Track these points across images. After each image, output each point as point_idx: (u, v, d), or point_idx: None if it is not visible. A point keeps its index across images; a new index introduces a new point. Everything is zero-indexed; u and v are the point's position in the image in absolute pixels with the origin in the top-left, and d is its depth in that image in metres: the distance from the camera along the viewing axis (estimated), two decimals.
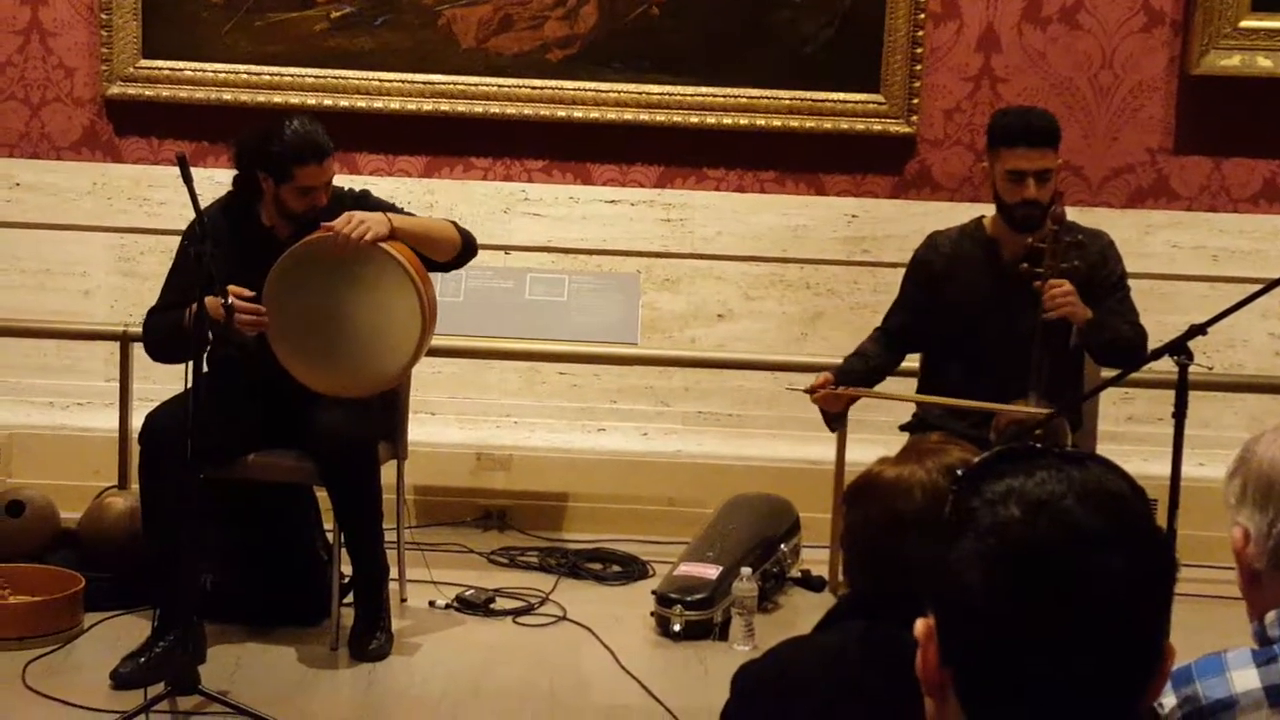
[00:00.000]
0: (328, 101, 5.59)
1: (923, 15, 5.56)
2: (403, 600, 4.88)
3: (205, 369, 4.11)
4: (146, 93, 5.66)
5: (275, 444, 4.54)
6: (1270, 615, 1.98)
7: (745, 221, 5.73)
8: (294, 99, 5.57)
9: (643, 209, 5.73)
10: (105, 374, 5.57)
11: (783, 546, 5.11)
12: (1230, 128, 5.68)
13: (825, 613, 2.32)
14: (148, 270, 5.60)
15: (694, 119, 5.66)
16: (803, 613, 4.91)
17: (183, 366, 3.98)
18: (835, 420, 4.65)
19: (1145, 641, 1.29)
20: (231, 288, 4.16)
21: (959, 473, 1.36)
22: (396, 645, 4.56)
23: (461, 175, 5.75)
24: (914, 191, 5.71)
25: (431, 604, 4.90)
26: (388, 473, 4.70)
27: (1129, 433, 5.48)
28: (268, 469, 4.56)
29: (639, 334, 5.46)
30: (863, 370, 4.63)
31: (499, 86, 5.65)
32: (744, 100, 5.65)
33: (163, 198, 5.63)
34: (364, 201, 4.57)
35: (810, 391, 4.59)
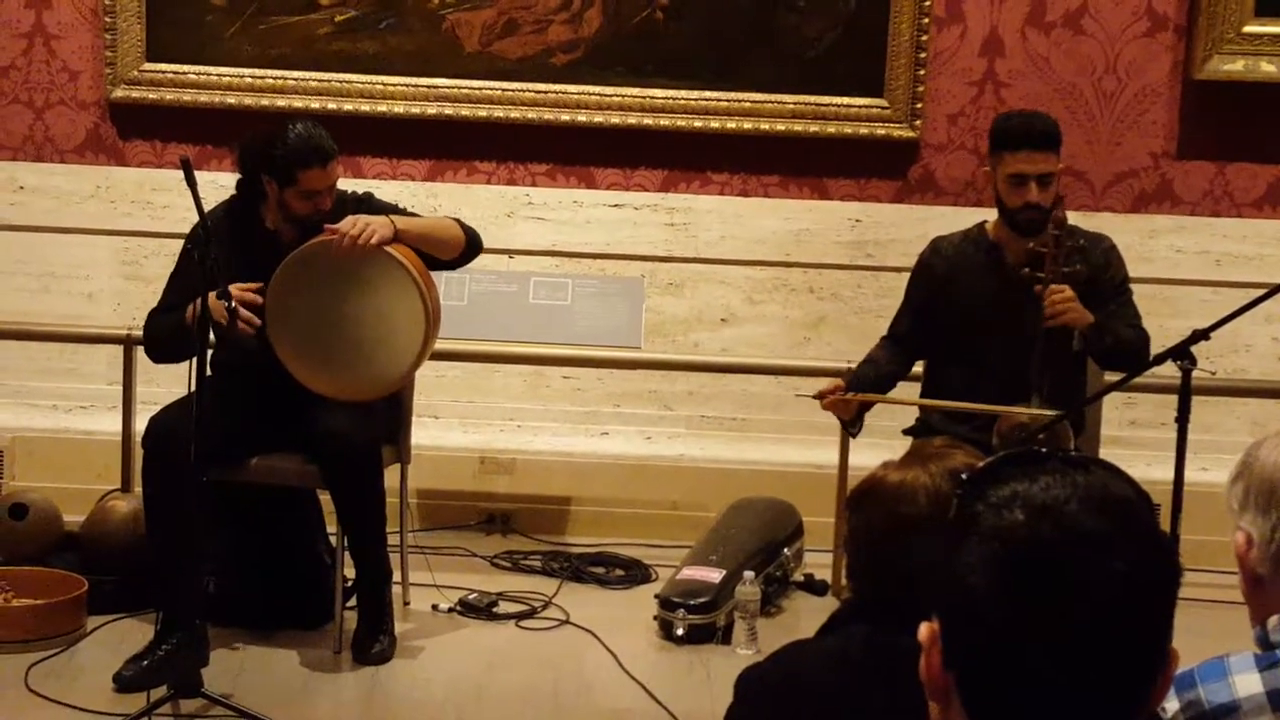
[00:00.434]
0: (331, 105, 5.60)
1: (926, 20, 5.56)
2: (406, 604, 4.88)
3: (209, 372, 4.11)
4: (150, 96, 5.66)
5: (279, 447, 4.54)
6: (1273, 620, 1.98)
7: (749, 225, 5.73)
8: (298, 102, 5.57)
9: (646, 213, 5.73)
10: (108, 377, 5.57)
11: (786, 550, 5.11)
12: (1234, 133, 5.68)
13: (828, 617, 2.32)
14: (151, 274, 5.60)
15: (698, 123, 5.66)
16: (806, 617, 4.91)
17: (186, 370, 3.99)
18: (852, 425, 4.63)
19: (1149, 645, 1.30)
20: (235, 286, 4.16)
21: (963, 477, 1.36)
22: (399, 649, 4.56)
23: (465, 179, 5.76)
24: (917, 196, 5.72)
25: (434, 608, 4.90)
26: (391, 476, 4.71)
27: (1132, 437, 5.48)
28: (271, 472, 4.56)
29: (642, 338, 5.46)
30: (874, 377, 4.64)
31: (503, 90, 5.65)
32: (748, 104, 5.65)
33: (166, 201, 5.63)
34: (367, 204, 4.57)
35: (819, 397, 4.59)
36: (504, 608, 4.92)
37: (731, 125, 5.66)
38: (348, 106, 5.63)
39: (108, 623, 4.62)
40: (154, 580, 4.37)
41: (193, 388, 3.98)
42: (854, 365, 5.15)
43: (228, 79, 5.64)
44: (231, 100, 5.64)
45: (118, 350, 5.31)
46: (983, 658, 1.29)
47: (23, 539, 4.90)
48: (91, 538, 4.88)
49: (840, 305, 5.74)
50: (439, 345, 4.72)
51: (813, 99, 5.64)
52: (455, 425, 5.75)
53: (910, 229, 5.50)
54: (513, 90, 5.65)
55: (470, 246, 4.60)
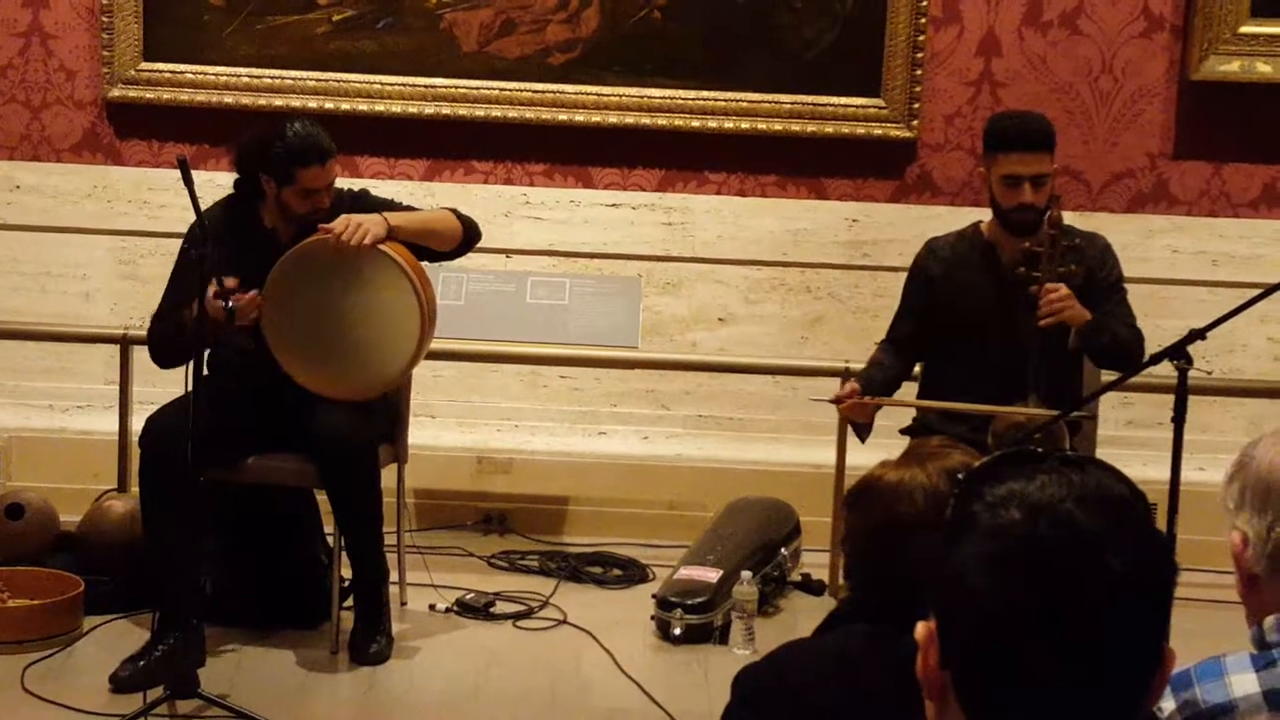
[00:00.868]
0: (329, 105, 5.60)
1: (924, 20, 5.57)
2: (403, 604, 4.88)
3: (205, 372, 4.11)
4: (147, 95, 5.66)
5: (275, 447, 4.54)
6: (1269, 620, 1.98)
7: (746, 225, 5.73)
8: (295, 102, 5.57)
9: (644, 213, 5.74)
10: (105, 377, 5.57)
11: (783, 550, 5.11)
12: (1230, 133, 5.68)
13: (826, 616, 2.32)
14: (148, 273, 5.60)
15: (695, 123, 5.66)
16: (803, 616, 4.91)
17: (182, 370, 3.99)
18: (864, 430, 4.62)
19: (1145, 644, 1.30)
20: (227, 279, 4.14)
21: (960, 476, 1.36)
22: (396, 649, 4.56)
23: (463, 179, 5.75)
24: (915, 196, 5.72)
25: (432, 607, 4.90)
26: (388, 476, 4.71)
27: (1129, 437, 5.48)
28: (268, 472, 4.56)
29: (640, 337, 5.46)
30: (883, 380, 4.64)
31: (500, 90, 5.65)
32: (745, 104, 5.65)
33: (163, 200, 5.63)
34: (362, 200, 4.57)
35: (837, 401, 4.58)
36: (501, 608, 4.92)
37: (729, 125, 5.66)
38: (345, 106, 5.63)
39: (104, 623, 4.62)
40: (151, 580, 4.37)
41: (189, 387, 3.98)
42: (851, 365, 5.17)
43: (225, 78, 5.64)
44: (229, 100, 5.64)
45: (114, 350, 5.31)
46: (979, 656, 1.29)
47: (19, 539, 4.90)
48: (88, 538, 4.88)
49: (837, 305, 5.75)
50: (436, 345, 4.72)
51: (810, 99, 5.64)
52: (452, 425, 5.75)
53: (907, 229, 5.50)
54: (510, 90, 5.65)
55: (468, 236, 4.59)
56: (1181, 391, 4.04)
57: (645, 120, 5.66)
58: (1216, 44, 5.55)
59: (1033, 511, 1.28)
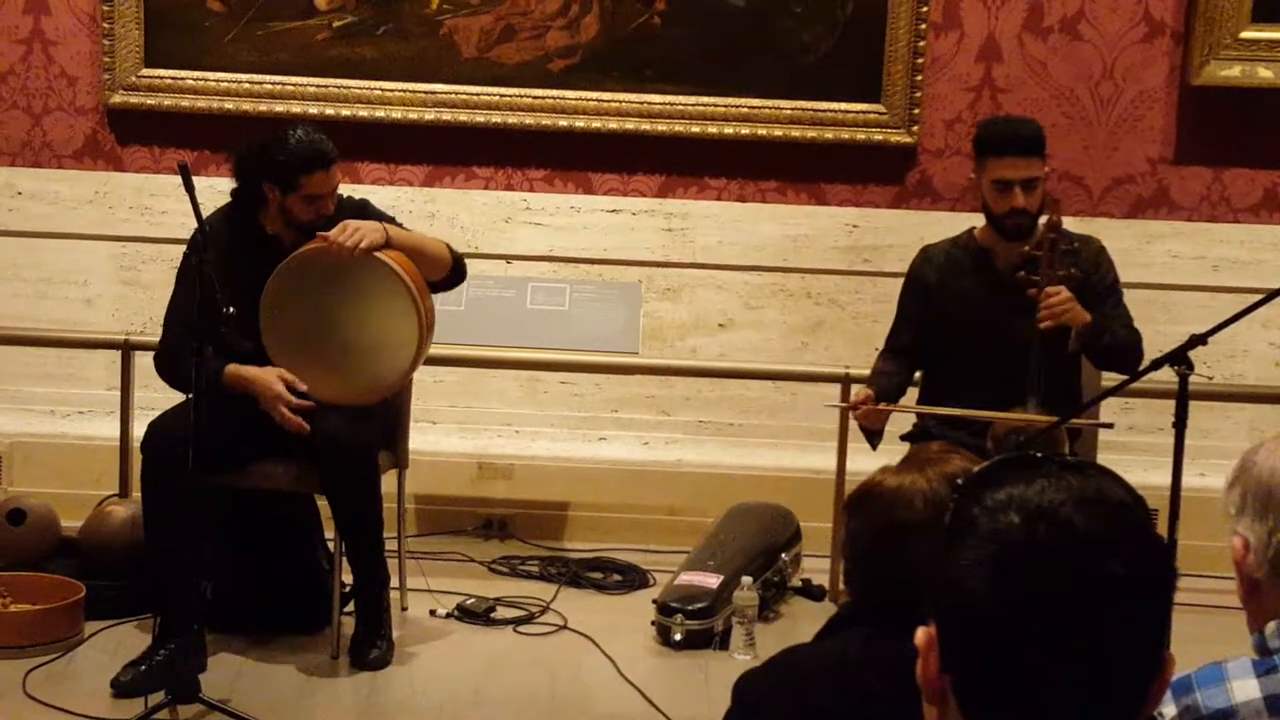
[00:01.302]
0: (329, 111, 5.60)
1: (924, 25, 5.57)
2: (403, 609, 4.87)
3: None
4: (148, 101, 5.66)
5: (276, 453, 4.54)
6: (1270, 626, 1.98)
7: (746, 231, 5.73)
8: (296, 108, 5.57)
9: (644, 218, 5.74)
10: (106, 383, 5.57)
11: (784, 555, 5.11)
12: (1231, 138, 5.68)
13: (826, 621, 2.32)
14: (149, 279, 5.60)
15: (695, 129, 5.66)
16: (803, 622, 4.91)
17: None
18: (877, 436, 4.61)
19: (1145, 649, 1.30)
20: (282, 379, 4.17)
21: (959, 481, 1.36)
22: (397, 654, 4.56)
23: (463, 184, 5.75)
24: (915, 201, 5.72)
25: (432, 613, 4.90)
26: (388, 481, 4.71)
27: (1129, 442, 5.48)
28: (269, 478, 4.57)
29: (640, 343, 5.46)
30: (890, 388, 4.63)
31: (500, 96, 5.65)
32: (745, 110, 5.65)
33: (164, 207, 5.63)
34: (364, 211, 4.57)
35: (853, 408, 4.57)
36: (501, 613, 4.92)
37: (729, 131, 5.66)
38: (345, 112, 5.63)
39: (106, 628, 4.62)
40: (152, 585, 4.37)
41: (191, 393, 3.98)
42: (851, 370, 5.17)
43: (226, 84, 5.64)
44: (230, 106, 5.64)
45: (116, 355, 5.31)
46: (979, 661, 1.29)
47: (21, 544, 4.90)
48: (89, 543, 4.88)
49: (838, 310, 5.75)
50: (437, 350, 4.72)
51: (810, 104, 5.64)
52: (453, 430, 5.75)
53: (908, 234, 5.50)
54: (510, 96, 5.65)
55: (455, 271, 4.59)
56: (1182, 397, 4.04)
57: (645, 126, 5.66)
58: (1217, 49, 5.55)
59: (1032, 516, 1.29)
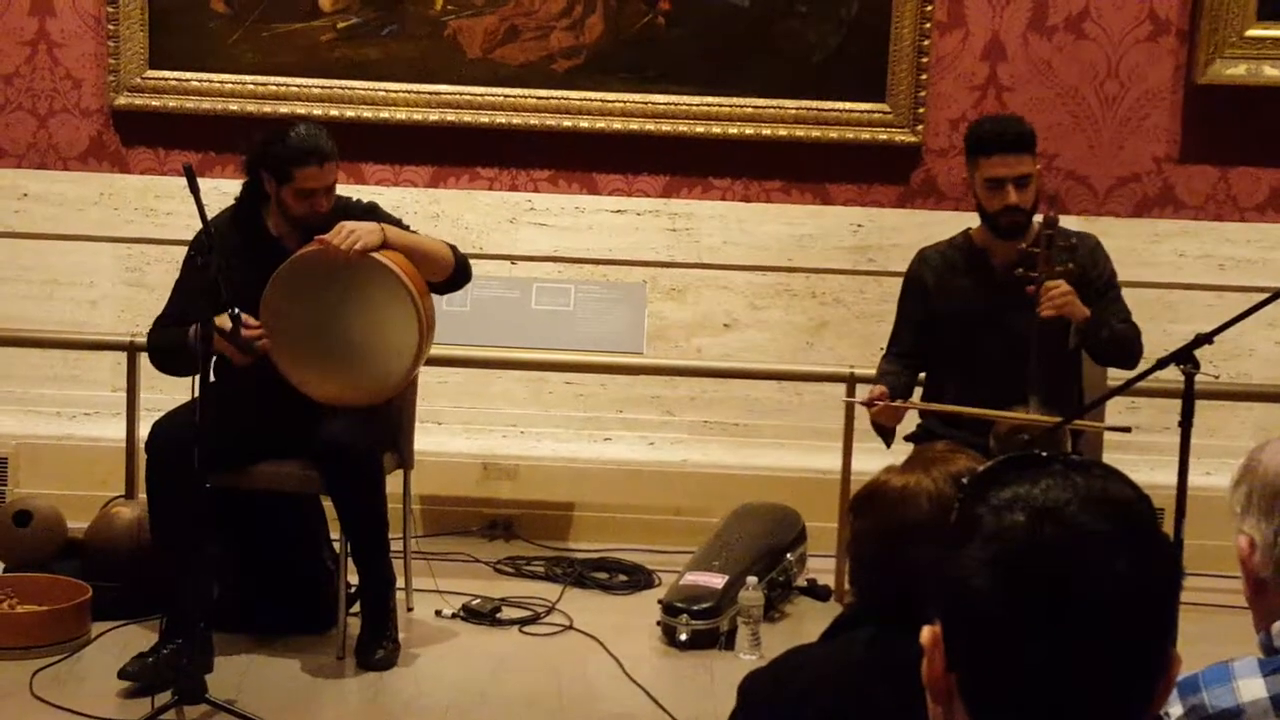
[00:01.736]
0: (334, 112, 5.60)
1: (929, 24, 5.57)
2: (409, 610, 4.88)
3: (212, 378, 4.12)
4: (153, 103, 5.67)
5: (281, 454, 4.54)
6: (1277, 625, 1.98)
7: (751, 231, 5.73)
8: (300, 109, 5.57)
9: (648, 219, 5.74)
10: (112, 384, 5.58)
11: (789, 555, 5.11)
12: (1236, 137, 5.67)
13: (832, 622, 2.32)
14: (155, 281, 5.60)
15: (699, 129, 5.66)
16: (809, 622, 4.91)
17: (189, 376, 4.00)
18: (891, 435, 4.61)
19: (1151, 647, 1.30)
20: (247, 320, 4.17)
21: (964, 481, 1.36)
22: (403, 655, 4.57)
23: (467, 185, 5.76)
24: (920, 201, 5.72)
25: (438, 613, 4.90)
26: (394, 482, 4.71)
27: (1135, 441, 5.47)
28: (274, 478, 4.57)
29: (645, 343, 5.46)
30: (899, 387, 4.63)
31: (505, 97, 5.65)
32: (749, 110, 5.65)
33: (170, 208, 5.64)
34: (371, 214, 4.57)
35: (869, 405, 4.57)
36: (507, 613, 4.92)
37: (733, 131, 5.66)
38: (350, 113, 5.63)
39: (112, 629, 4.63)
40: (158, 586, 4.37)
41: (196, 394, 3.99)
42: (856, 370, 5.18)
43: (230, 86, 5.65)
44: (234, 107, 5.64)
45: (121, 357, 5.31)
46: (985, 660, 1.29)
47: (27, 546, 4.91)
48: (95, 544, 4.89)
49: (843, 310, 5.74)
50: (441, 351, 4.72)
51: (815, 104, 5.64)
52: (458, 431, 5.75)
53: (913, 234, 5.50)
54: (515, 96, 5.65)
55: (459, 272, 4.59)
56: (1188, 396, 4.04)
57: (650, 126, 5.66)
58: (1223, 47, 5.54)
59: (1037, 515, 1.28)
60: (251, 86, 5.64)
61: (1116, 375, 4.61)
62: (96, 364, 5.69)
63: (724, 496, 5.46)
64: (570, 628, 4.86)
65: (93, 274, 5.75)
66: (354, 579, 4.60)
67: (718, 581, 4.81)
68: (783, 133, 5.65)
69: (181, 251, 4.54)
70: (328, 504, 4.68)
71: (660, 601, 4.83)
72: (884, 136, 5.64)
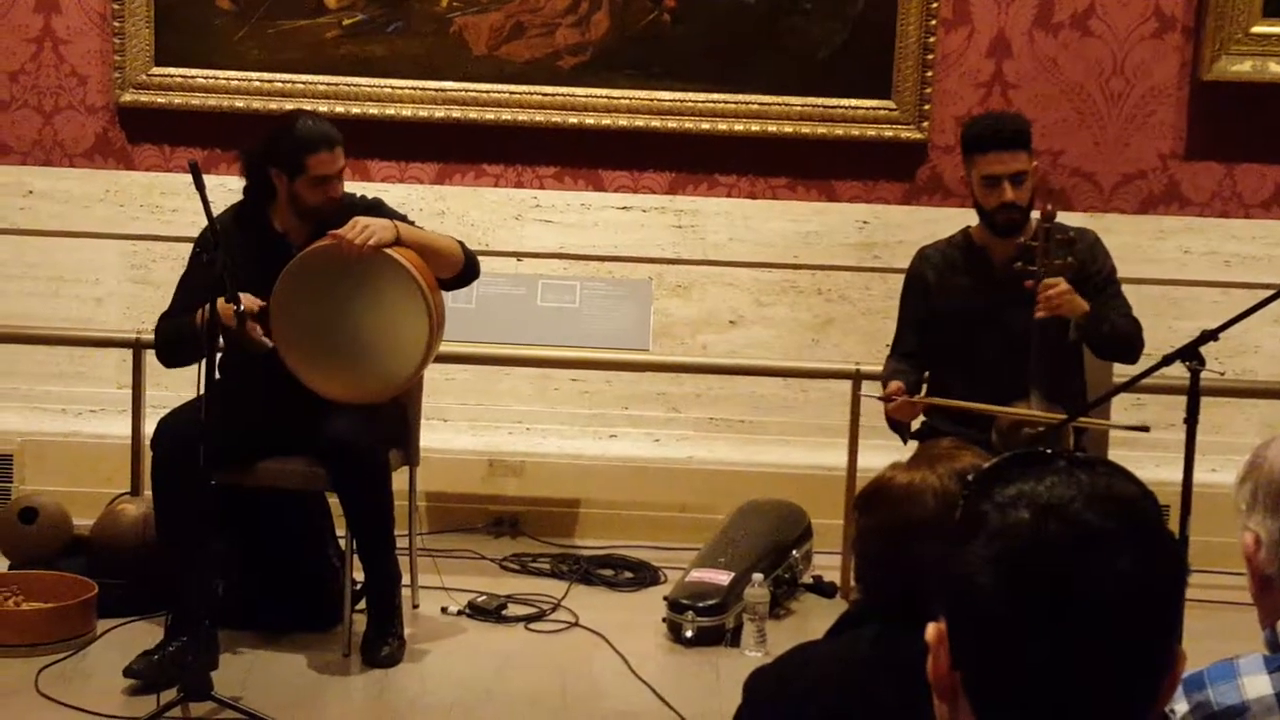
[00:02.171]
0: (339, 109, 5.60)
1: (934, 21, 5.56)
2: (415, 606, 4.88)
3: (217, 376, 4.12)
4: (159, 100, 5.67)
5: (287, 450, 4.55)
6: None
7: (757, 228, 5.73)
8: (306, 106, 5.55)
9: (654, 215, 5.74)
10: (118, 381, 5.58)
11: (795, 552, 5.11)
12: (1242, 133, 5.67)
13: (837, 618, 2.32)
14: (160, 278, 5.61)
15: (705, 125, 5.66)
16: (815, 619, 4.91)
17: (195, 373, 4.01)
18: (906, 430, 4.60)
19: (1156, 644, 1.30)
20: (245, 295, 4.17)
21: (969, 478, 1.36)
22: (408, 652, 4.57)
23: (473, 182, 5.76)
24: (925, 198, 5.71)
25: (443, 610, 4.91)
26: (399, 479, 4.71)
27: (1141, 438, 5.46)
28: (280, 475, 4.57)
29: (650, 340, 5.46)
30: (911, 385, 4.62)
31: (510, 93, 5.65)
32: (755, 106, 5.65)
33: (175, 205, 5.64)
34: (377, 210, 4.58)
35: (887, 400, 4.56)
36: (513, 610, 4.92)
37: (739, 127, 5.66)
38: (355, 110, 5.63)
39: (117, 626, 4.63)
40: (164, 583, 4.37)
41: (202, 391, 3.99)
42: (862, 367, 5.18)
43: (236, 83, 5.65)
44: (240, 104, 5.65)
45: (127, 354, 5.32)
46: (990, 657, 1.29)
47: (33, 543, 4.91)
48: (101, 541, 4.89)
49: (849, 307, 5.74)
50: (447, 348, 4.72)
51: (820, 101, 5.64)
52: (464, 428, 5.75)
53: (918, 231, 5.49)
54: (520, 93, 5.65)
55: (468, 269, 4.60)
56: (1194, 392, 4.04)
57: (655, 123, 5.66)
58: (1228, 44, 5.54)
59: (1042, 512, 1.28)
60: (257, 83, 5.65)
61: (1122, 371, 4.61)
62: (102, 361, 5.69)
63: (729, 493, 5.46)
64: (576, 624, 4.86)
65: (98, 271, 5.75)
66: (359, 576, 4.60)
67: (723, 578, 4.82)
68: (788, 129, 5.65)
69: (187, 248, 4.54)
70: (333, 500, 4.68)
71: (666, 598, 4.83)
72: (889, 133, 5.64)
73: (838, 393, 5.41)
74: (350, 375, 4.45)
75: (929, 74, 5.59)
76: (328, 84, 5.65)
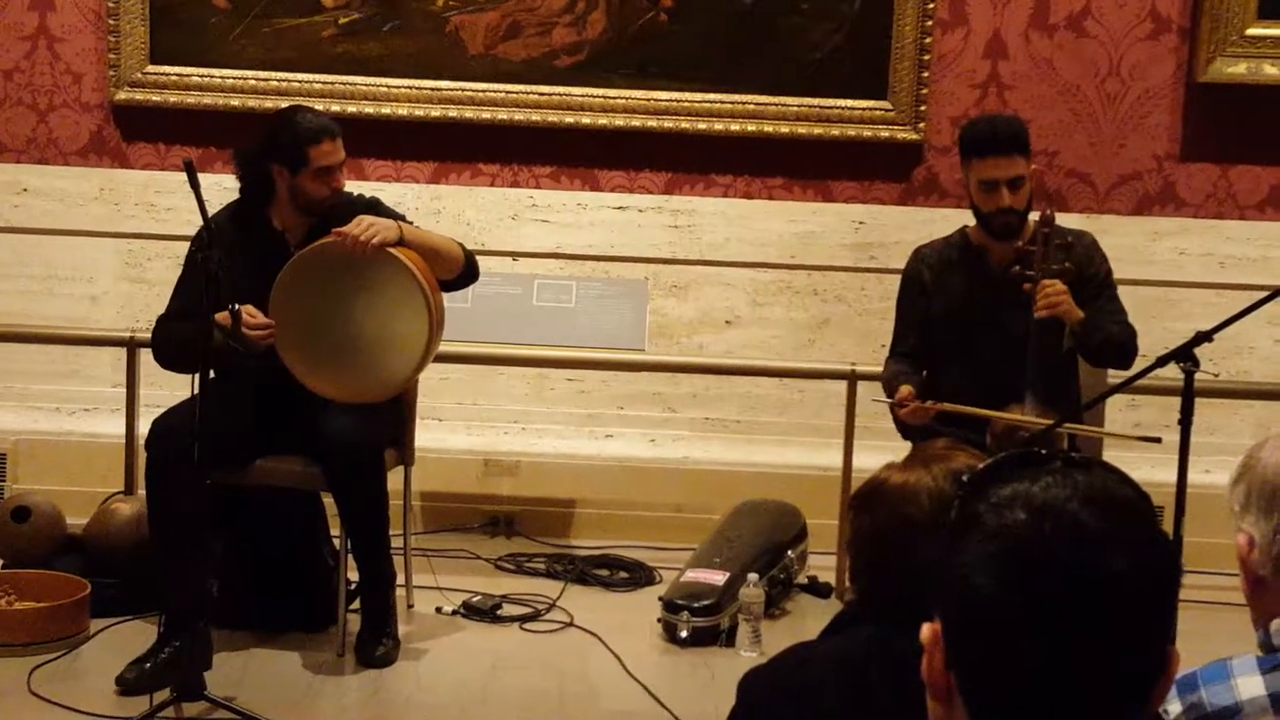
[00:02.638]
0: (335, 107, 5.59)
1: (930, 22, 5.57)
2: (409, 606, 4.87)
3: (212, 375, 4.11)
4: (154, 98, 5.67)
5: (282, 449, 4.54)
6: (1275, 623, 1.98)
7: (753, 228, 5.73)
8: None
9: (650, 215, 5.74)
10: (112, 380, 5.58)
11: (790, 553, 5.11)
12: (1237, 135, 5.67)
13: (832, 619, 2.32)
14: (155, 276, 5.61)
15: (702, 125, 5.66)
16: (809, 619, 4.91)
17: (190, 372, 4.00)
18: (918, 435, 4.59)
19: (1149, 645, 1.30)
20: (246, 308, 4.17)
21: (964, 478, 1.36)
22: (403, 651, 4.56)
23: (469, 181, 5.76)
24: (922, 198, 5.72)
25: (438, 610, 4.90)
26: (395, 479, 4.71)
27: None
28: (275, 474, 4.57)
29: (647, 340, 5.46)
30: (916, 387, 4.61)
31: (507, 93, 5.65)
32: (752, 107, 5.65)
33: (170, 204, 5.64)
34: (375, 208, 4.58)
35: (900, 405, 4.55)
36: (508, 610, 4.92)
37: (735, 128, 5.66)
38: (351, 109, 5.63)
39: (111, 625, 4.63)
40: (157, 583, 4.36)
41: (196, 390, 3.98)
42: (857, 367, 5.18)
43: (231, 81, 5.65)
44: (235, 103, 5.64)
45: (121, 353, 5.31)
46: (984, 657, 1.29)
47: (26, 542, 4.90)
48: (94, 540, 4.89)
49: (845, 308, 5.74)
50: (443, 348, 4.72)
51: (816, 101, 5.64)
52: (459, 427, 5.75)
53: (914, 231, 5.50)
54: (517, 93, 5.65)
55: (468, 270, 4.60)
56: (1188, 394, 4.04)
57: (652, 123, 5.66)
58: (1224, 46, 5.54)
59: (1037, 512, 1.28)
60: (253, 82, 5.64)
61: (1116, 373, 4.61)
62: (96, 360, 5.69)
63: (725, 493, 5.46)
64: (571, 625, 4.86)
65: (93, 269, 5.75)
66: (354, 575, 4.60)
67: (719, 578, 4.81)
68: (785, 130, 5.65)
69: (182, 247, 4.54)
70: (328, 500, 4.68)
71: (661, 598, 4.83)
72: (886, 134, 5.64)
73: (833, 393, 5.41)
74: (349, 374, 4.44)
75: (925, 75, 5.59)
76: (323, 83, 5.65)
